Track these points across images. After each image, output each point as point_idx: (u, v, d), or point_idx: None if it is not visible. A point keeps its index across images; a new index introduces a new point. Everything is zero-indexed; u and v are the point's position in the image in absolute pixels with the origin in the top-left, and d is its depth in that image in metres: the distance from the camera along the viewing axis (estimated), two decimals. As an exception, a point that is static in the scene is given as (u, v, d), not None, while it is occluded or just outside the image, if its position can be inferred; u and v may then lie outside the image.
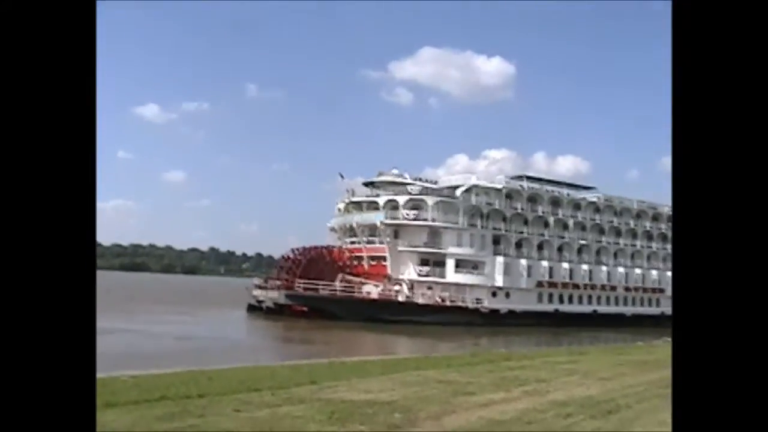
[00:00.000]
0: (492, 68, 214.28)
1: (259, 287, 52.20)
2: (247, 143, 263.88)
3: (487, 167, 61.32)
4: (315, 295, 48.01)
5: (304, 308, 47.11)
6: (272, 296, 49.23)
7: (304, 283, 48.57)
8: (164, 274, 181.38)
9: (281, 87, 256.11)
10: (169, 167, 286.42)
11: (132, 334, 29.60)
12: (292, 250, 53.23)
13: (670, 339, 34.59)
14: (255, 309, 50.28)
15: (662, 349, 23.44)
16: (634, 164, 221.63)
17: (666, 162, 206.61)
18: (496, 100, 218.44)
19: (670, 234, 67.55)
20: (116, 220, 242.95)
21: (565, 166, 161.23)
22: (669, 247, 67.18)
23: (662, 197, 70.52)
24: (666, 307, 62.05)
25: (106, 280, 64.92)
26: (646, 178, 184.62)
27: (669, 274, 64.32)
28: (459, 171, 61.46)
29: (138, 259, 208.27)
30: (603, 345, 30.93)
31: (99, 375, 5.19)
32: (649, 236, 66.52)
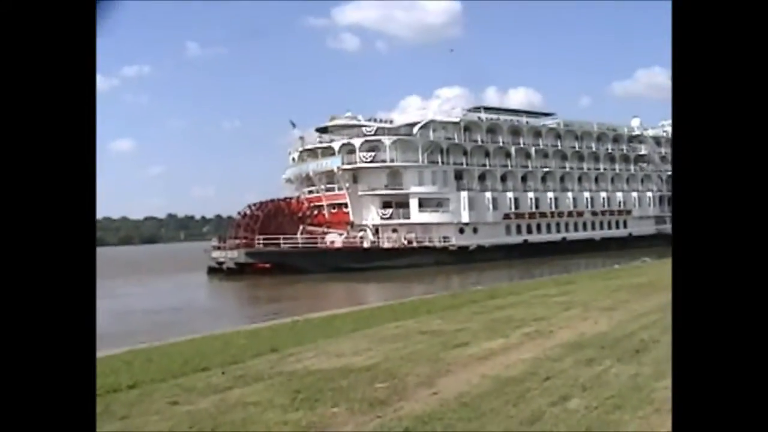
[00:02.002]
0: (438, 6, 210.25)
1: (218, 248, 49.66)
2: (195, 104, 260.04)
3: (440, 106, 58.55)
4: (276, 250, 45.81)
5: (267, 265, 44.96)
6: (232, 256, 46.84)
7: (264, 238, 46.26)
8: (122, 246, 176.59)
9: (223, 43, 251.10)
10: (115, 136, 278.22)
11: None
12: (249, 206, 50.67)
13: (647, 259, 33.95)
14: (215, 271, 47.85)
15: (648, 269, 22.05)
16: (585, 91, 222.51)
17: (616, 87, 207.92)
18: (444, 38, 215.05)
19: (632, 155, 66.94)
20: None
21: (518, 99, 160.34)
22: (632, 167, 66.65)
23: (617, 121, 69.73)
24: (633, 228, 61.82)
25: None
26: (598, 104, 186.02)
27: (634, 194, 64.04)
28: (413, 112, 59.10)
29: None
30: (584, 271, 29.60)
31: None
32: (611, 158, 65.58)
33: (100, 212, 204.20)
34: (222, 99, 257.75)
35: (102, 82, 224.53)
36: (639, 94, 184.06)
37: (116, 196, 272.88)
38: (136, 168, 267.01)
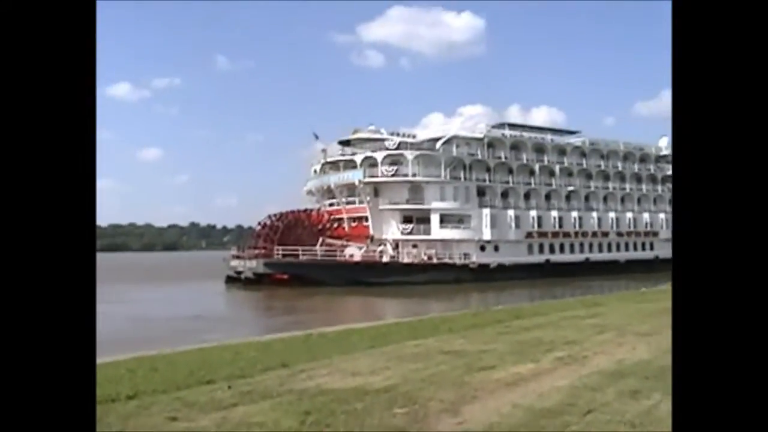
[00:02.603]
0: (462, 24, 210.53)
1: (237, 257, 49.19)
2: (221, 116, 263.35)
3: (462, 124, 57.33)
4: (295, 261, 45.20)
5: (285, 276, 44.36)
6: (250, 266, 46.30)
7: (282, 249, 45.72)
8: (145, 253, 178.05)
9: (251, 57, 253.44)
10: (144, 145, 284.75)
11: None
12: (269, 217, 50.15)
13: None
14: (233, 280, 47.33)
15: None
16: (609, 112, 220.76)
17: (640, 107, 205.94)
18: (468, 56, 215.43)
19: (659, 175, 65.46)
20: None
21: (541, 118, 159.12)
22: (659, 188, 65.12)
23: (643, 141, 68.21)
24: (659, 251, 60.17)
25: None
26: (623, 123, 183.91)
27: (661, 216, 62.36)
28: (436, 127, 58.48)
29: (118, 239, 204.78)
30: (612, 293, 28.55)
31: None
32: (638, 178, 64.09)
33: (126, 218, 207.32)
34: (247, 112, 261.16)
35: (133, 93, 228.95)
36: (664, 113, 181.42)
37: (142, 203, 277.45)
38: (162, 176, 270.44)
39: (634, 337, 10.76)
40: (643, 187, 64.03)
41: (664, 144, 68.60)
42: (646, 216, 61.66)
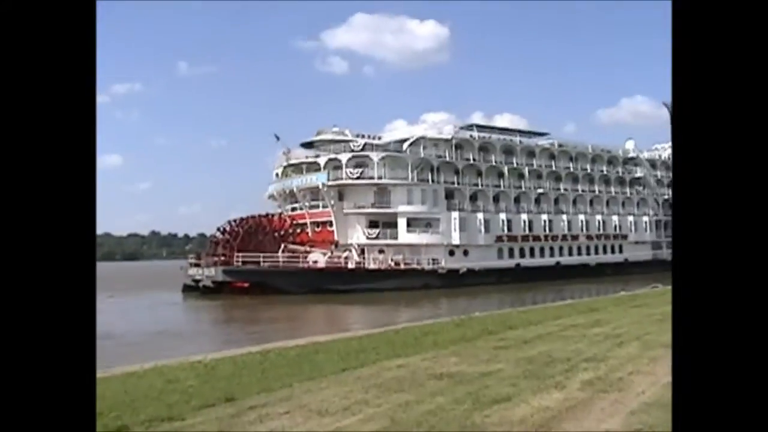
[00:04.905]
0: (426, 32, 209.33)
1: (195, 265, 46.34)
2: (183, 122, 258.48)
3: (426, 131, 55.28)
4: (256, 268, 42.56)
5: (245, 284, 41.81)
6: (209, 273, 43.54)
7: (243, 256, 43.08)
8: (104, 262, 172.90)
9: (213, 63, 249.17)
10: (103, 151, 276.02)
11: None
12: (229, 222, 47.37)
13: (659, 285, 31.31)
14: (191, 289, 44.50)
15: (667, 297, 19.32)
16: (569, 118, 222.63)
17: (600, 114, 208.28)
18: (431, 64, 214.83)
19: (627, 177, 64.63)
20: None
21: (503, 125, 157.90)
22: (627, 190, 64.30)
23: (605, 146, 67.26)
24: (628, 253, 59.29)
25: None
26: (583, 130, 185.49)
27: (630, 218, 61.48)
28: (402, 129, 56.69)
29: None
30: (587, 297, 26.78)
31: None
32: (606, 181, 62.98)
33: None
34: (210, 118, 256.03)
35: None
36: (624, 121, 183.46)
37: (101, 211, 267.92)
38: (122, 184, 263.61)
39: (664, 350, 8.74)
40: (612, 189, 63.06)
41: (631, 146, 68.13)
42: (615, 219, 60.67)
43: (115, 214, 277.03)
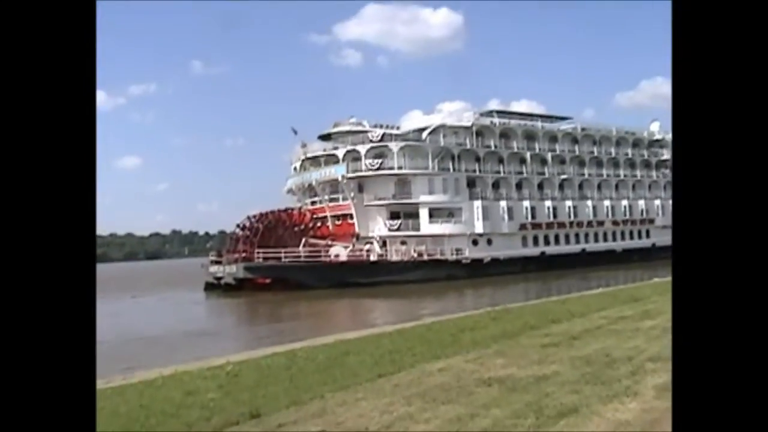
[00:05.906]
0: (439, 20, 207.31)
1: (216, 262, 45.82)
2: (200, 121, 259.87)
3: (444, 119, 53.96)
4: (277, 264, 41.98)
5: (267, 280, 41.34)
6: (230, 271, 43.10)
7: (263, 252, 42.52)
8: (127, 262, 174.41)
9: (226, 62, 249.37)
10: (122, 154, 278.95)
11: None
12: (248, 218, 46.68)
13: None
14: (213, 287, 44.07)
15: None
16: (588, 103, 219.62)
17: (620, 98, 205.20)
18: (446, 52, 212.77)
19: (653, 160, 63.08)
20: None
21: (521, 111, 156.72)
22: (654, 173, 62.73)
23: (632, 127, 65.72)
24: (656, 238, 57.77)
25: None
26: (602, 115, 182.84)
27: (657, 202, 59.91)
28: (420, 118, 55.56)
29: (99, 249, 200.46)
30: (622, 286, 25.76)
31: None
32: (631, 164, 61.49)
33: (107, 228, 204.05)
34: (226, 116, 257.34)
35: (108, 101, 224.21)
36: (644, 104, 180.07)
37: (122, 212, 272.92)
38: (142, 185, 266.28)
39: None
40: (638, 172, 61.52)
41: (656, 128, 66.31)
42: (641, 203, 59.17)
43: (136, 214, 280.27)
